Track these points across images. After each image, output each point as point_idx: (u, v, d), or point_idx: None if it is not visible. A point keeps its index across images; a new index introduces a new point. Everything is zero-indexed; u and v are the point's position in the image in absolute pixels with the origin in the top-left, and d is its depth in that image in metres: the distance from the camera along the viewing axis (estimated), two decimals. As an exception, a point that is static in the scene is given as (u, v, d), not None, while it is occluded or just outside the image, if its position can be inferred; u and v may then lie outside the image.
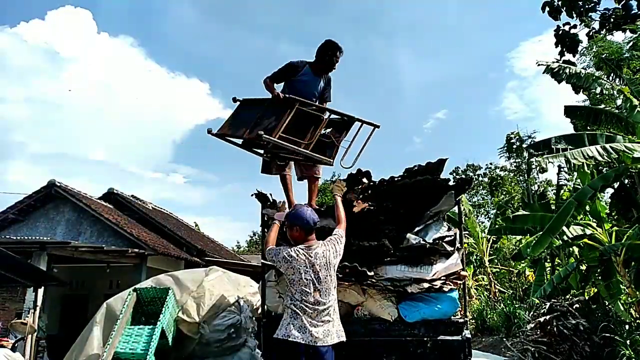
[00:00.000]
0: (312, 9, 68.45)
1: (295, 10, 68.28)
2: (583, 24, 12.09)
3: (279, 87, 3.90)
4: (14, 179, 49.26)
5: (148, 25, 68.35)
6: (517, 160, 21.27)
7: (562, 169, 10.63)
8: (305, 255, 2.77)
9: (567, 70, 8.16)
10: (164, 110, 61.91)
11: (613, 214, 8.92)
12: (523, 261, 12.60)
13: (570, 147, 7.11)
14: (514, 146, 20.16)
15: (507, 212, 13.75)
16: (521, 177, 21.61)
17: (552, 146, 7.36)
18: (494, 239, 14.93)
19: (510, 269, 15.63)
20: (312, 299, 2.72)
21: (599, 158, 6.50)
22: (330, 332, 2.71)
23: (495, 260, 16.15)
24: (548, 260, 11.41)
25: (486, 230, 14.46)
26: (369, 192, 3.37)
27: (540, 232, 7.68)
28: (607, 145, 6.68)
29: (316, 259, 2.77)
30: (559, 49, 12.83)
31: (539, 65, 8.51)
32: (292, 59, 3.99)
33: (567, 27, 12.65)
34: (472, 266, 15.09)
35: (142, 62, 61.87)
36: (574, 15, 11.98)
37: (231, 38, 67.43)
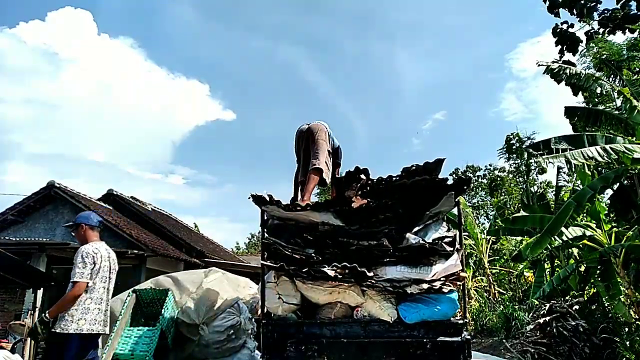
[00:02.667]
0: (312, 10, 68.60)
1: (295, 12, 68.45)
2: (583, 22, 12.05)
3: None
4: (12, 180, 49.28)
5: (148, 26, 68.52)
6: (516, 162, 21.33)
7: (561, 170, 10.63)
8: None
9: (567, 71, 8.16)
10: (163, 111, 62.03)
11: (611, 215, 8.91)
12: (522, 262, 12.60)
13: (570, 147, 7.11)
14: (514, 147, 20.21)
15: (505, 213, 13.74)
16: (521, 179, 21.63)
17: (552, 146, 7.36)
18: (494, 239, 14.93)
19: (510, 270, 15.62)
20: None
21: (599, 159, 6.50)
22: None
23: (495, 262, 16.14)
24: (547, 262, 11.41)
25: (485, 232, 14.44)
26: (368, 188, 3.36)
27: (539, 233, 7.68)
28: (607, 146, 6.69)
29: None
30: (558, 48, 12.78)
31: (539, 65, 8.51)
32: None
33: (565, 26, 12.59)
34: (471, 268, 15.07)
35: (142, 63, 61.98)
36: (575, 13, 11.92)
37: (231, 39, 67.57)
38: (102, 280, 3.46)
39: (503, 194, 22.51)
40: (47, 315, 3.20)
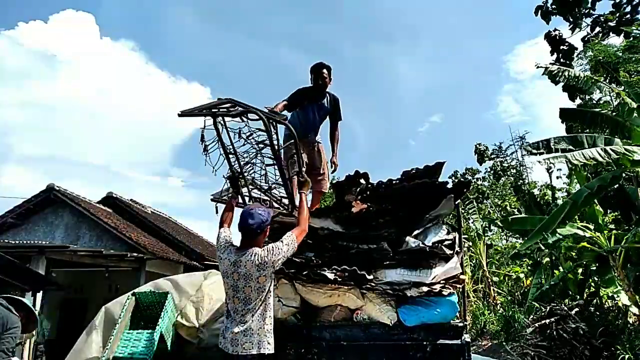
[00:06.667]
0: (313, 15, 68.86)
1: (296, 16, 68.68)
2: (577, 28, 12.12)
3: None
4: (9, 183, 49.12)
5: (150, 29, 68.72)
6: (504, 166, 22.08)
7: (556, 170, 10.66)
8: (229, 260, 2.70)
9: (565, 73, 8.18)
10: (164, 114, 62.04)
11: (606, 218, 8.91)
12: (522, 263, 12.61)
13: (570, 147, 7.12)
14: (485, 155, 21.66)
15: (495, 215, 13.79)
16: (520, 181, 21.74)
17: (552, 146, 7.36)
18: (491, 241, 14.95)
19: (509, 273, 15.60)
20: (232, 305, 2.69)
21: (600, 159, 6.50)
22: (246, 341, 2.59)
23: (494, 265, 16.12)
24: (547, 265, 11.41)
25: (482, 232, 14.43)
26: (368, 193, 3.37)
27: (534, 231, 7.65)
28: (608, 148, 6.71)
29: (238, 266, 2.66)
30: (554, 56, 12.84)
31: (537, 67, 8.51)
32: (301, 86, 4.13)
33: (557, 32, 12.67)
34: (470, 270, 15.05)
35: (143, 66, 62.05)
36: (569, 19, 12.01)
37: (232, 43, 67.77)
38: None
39: (492, 197, 22.79)
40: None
